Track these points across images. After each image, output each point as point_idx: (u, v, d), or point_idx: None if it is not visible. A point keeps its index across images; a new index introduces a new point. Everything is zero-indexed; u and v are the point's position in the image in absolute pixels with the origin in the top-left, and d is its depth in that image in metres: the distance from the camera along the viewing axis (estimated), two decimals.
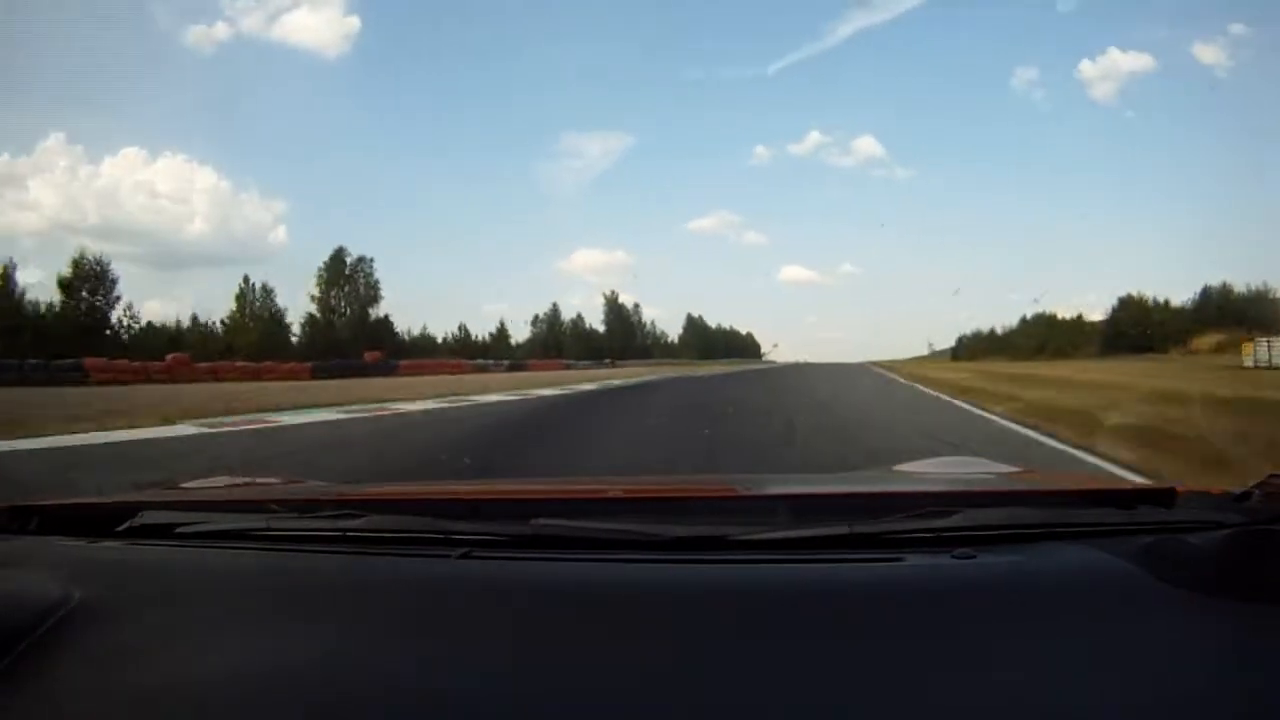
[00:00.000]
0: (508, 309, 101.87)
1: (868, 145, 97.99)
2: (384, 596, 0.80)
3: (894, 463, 1.64)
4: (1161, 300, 57.18)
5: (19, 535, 1.05)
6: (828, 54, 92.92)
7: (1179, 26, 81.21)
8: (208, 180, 69.84)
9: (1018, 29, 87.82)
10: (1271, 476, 0.77)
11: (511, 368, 49.61)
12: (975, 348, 67.23)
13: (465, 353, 67.21)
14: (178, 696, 0.65)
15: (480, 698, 0.62)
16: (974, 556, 0.77)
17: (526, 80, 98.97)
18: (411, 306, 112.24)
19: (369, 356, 45.35)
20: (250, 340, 54.40)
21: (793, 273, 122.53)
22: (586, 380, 24.51)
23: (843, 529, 0.83)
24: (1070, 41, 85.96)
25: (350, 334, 57.30)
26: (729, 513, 0.99)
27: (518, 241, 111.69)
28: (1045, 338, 59.18)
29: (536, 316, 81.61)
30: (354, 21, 72.05)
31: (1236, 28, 67.23)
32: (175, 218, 71.19)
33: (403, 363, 43.53)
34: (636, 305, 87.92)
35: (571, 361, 60.49)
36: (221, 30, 70.17)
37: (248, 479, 1.48)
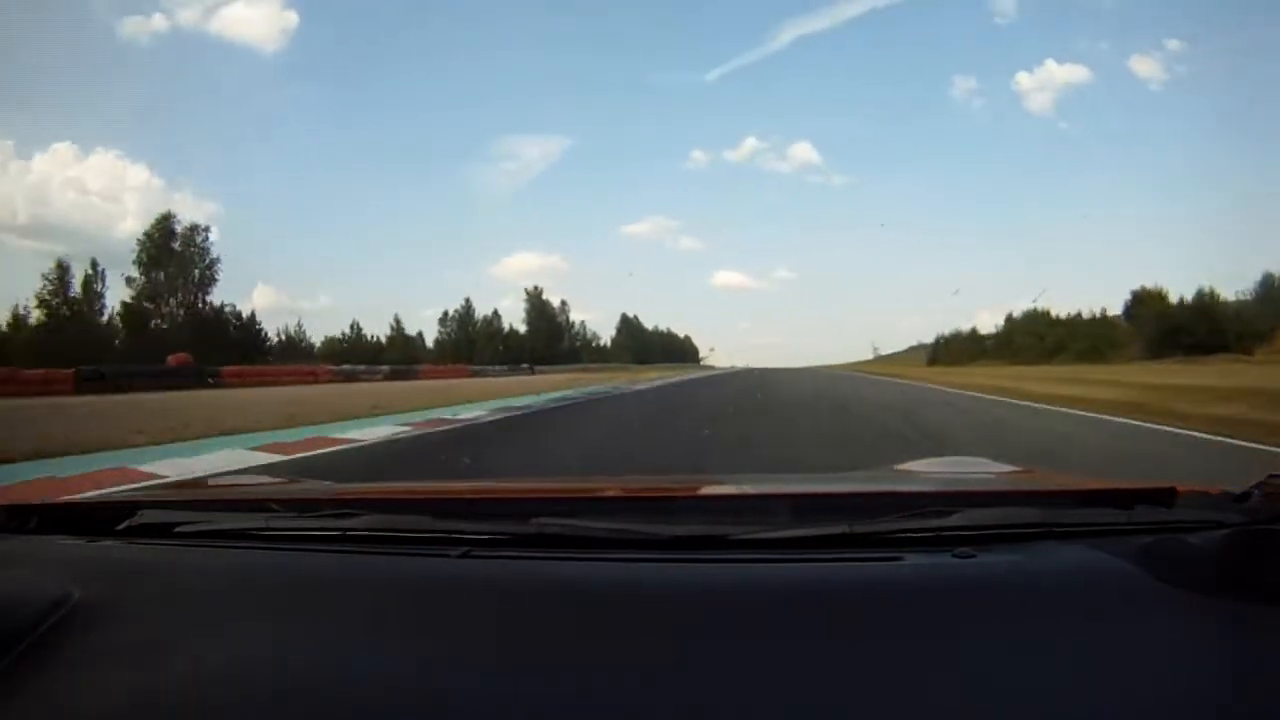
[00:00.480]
0: (435, 315, 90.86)
1: (804, 152, 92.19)
2: (384, 596, 0.80)
3: None
4: (1173, 295, 50.04)
5: (18, 535, 1.04)
6: (767, 61, 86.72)
7: (1115, 38, 79.38)
8: (140, 177, 68.91)
9: (955, 38, 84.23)
10: (1271, 476, 0.77)
11: (393, 375, 37.44)
12: (959, 349, 59.16)
13: (354, 357, 54.98)
14: (178, 696, 0.65)
15: (480, 697, 0.62)
16: (973, 556, 0.77)
17: (462, 82, 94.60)
18: (342, 311, 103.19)
19: (173, 360, 32.81)
20: (29, 338, 39.71)
21: (727, 277, 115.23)
22: (458, 401, 15.39)
23: (842, 528, 0.82)
24: (1005, 51, 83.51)
25: (173, 328, 43.02)
26: (728, 512, 0.99)
27: (450, 245, 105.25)
28: (1062, 338, 51.04)
29: (445, 314, 68.84)
30: (291, 17, 72.38)
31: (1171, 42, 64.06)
32: (107, 216, 69.91)
33: (227, 369, 31.00)
34: (564, 304, 76.65)
35: (479, 367, 48.71)
36: (159, 22, 70.57)
37: (248, 479, 1.50)
